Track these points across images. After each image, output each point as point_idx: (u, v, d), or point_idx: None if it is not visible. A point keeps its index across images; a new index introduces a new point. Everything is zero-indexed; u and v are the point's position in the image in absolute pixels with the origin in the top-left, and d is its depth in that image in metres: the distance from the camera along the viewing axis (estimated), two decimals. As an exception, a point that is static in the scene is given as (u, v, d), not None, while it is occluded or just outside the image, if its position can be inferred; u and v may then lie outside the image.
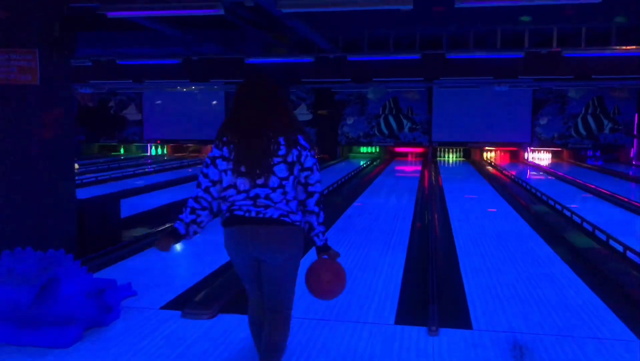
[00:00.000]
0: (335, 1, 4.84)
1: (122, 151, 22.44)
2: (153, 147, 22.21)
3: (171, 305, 4.40)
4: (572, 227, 7.68)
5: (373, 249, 6.37)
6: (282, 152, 2.62)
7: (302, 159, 2.66)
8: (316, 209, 2.71)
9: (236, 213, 2.64)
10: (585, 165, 18.40)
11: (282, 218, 2.63)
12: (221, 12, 5.20)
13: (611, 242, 6.45)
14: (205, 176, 2.68)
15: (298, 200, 2.71)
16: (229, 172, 2.64)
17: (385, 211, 9.01)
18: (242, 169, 2.61)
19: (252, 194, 2.62)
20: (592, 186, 11.94)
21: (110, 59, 12.48)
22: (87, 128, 21.57)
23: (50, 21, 5.22)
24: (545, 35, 11.23)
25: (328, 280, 2.77)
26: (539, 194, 10.54)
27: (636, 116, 18.86)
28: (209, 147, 21.74)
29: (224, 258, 5.84)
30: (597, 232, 6.98)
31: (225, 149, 2.65)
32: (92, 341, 3.66)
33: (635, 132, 18.87)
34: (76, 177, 6.33)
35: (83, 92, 19.55)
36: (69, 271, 3.76)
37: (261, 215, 2.61)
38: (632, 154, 18.98)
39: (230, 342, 3.67)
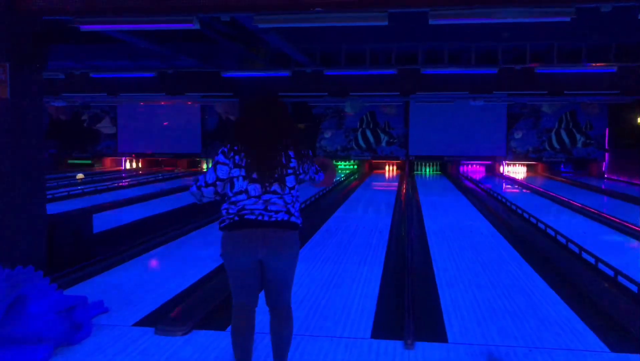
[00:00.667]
0: (311, 17, 4.87)
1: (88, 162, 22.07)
2: (127, 161, 21.94)
3: (144, 322, 4.31)
4: (547, 240, 7.79)
5: (350, 263, 6.36)
6: (293, 164, 2.97)
7: (306, 168, 3.08)
8: (317, 177, 3.24)
9: (247, 216, 2.87)
10: (560, 178, 18.74)
11: (291, 220, 2.94)
12: (197, 26, 5.18)
13: (584, 254, 6.55)
14: (203, 176, 2.98)
15: (299, 201, 3.09)
16: (240, 179, 2.89)
17: (362, 225, 9.03)
18: (255, 176, 2.87)
19: (264, 198, 2.88)
20: (566, 199, 12.15)
21: (84, 72, 12.33)
22: (60, 142, 21.21)
23: (21, 35, 5.14)
24: (518, 52, 11.49)
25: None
26: (514, 207, 10.69)
27: (607, 130, 19.33)
28: (184, 161, 21.60)
29: (198, 273, 5.77)
30: (570, 245, 7.09)
31: (236, 157, 2.90)
32: (61, 361, 3.56)
33: (606, 147, 19.32)
34: (47, 192, 6.20)
35: (55, 105, 19.26)
36: (38, 288, 3.66)
37: (273, 219, 2.88)
38: (604, 168, 19.41)
39: (204, 359, 3.61)
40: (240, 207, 2.89)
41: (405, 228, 8.57)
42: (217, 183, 2.96)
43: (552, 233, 7.90)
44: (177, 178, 17.79)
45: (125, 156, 21.57)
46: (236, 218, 2.89)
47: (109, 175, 18.45)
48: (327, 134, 20.73)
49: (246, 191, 2.88)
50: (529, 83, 12.08)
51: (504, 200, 11.88)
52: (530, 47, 11.30)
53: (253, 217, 2.87)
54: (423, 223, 9.28)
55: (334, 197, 13.04)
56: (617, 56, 10.93)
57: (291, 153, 2.97)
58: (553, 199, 12.69)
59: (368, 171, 20.93)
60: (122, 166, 21.86)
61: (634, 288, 5.14)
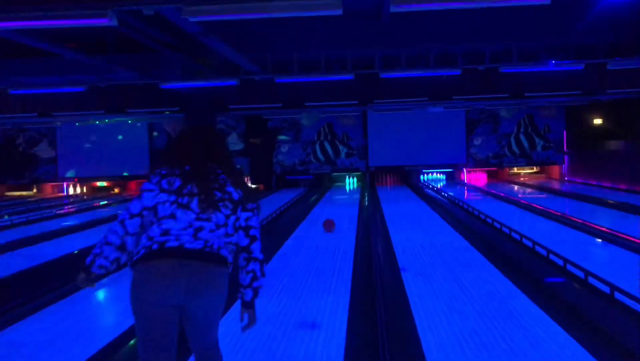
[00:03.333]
0: (245, 7, 4.05)
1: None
2: (70, 186, 20.46)
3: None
4: (518, 247, 7.18)
5: (311, 294, 5.49)
6: (229, 188, 2.54)
7: (244, 217, 2.60)
8: (261, 256, 2.58)
9: (170, 244, 2.36)
10: (521, 183, 18.50)
11: (222, 253, 2.46)
12: (113, 22, 4.27)
13: (569, 266, 5.91)
14: (126, 208, 2.53)
15: (235, 245, 2.56)
16: (167, 204, 2.45)
17: (324, 246, 8.19)
18: (185, 200, 2.46)
19: (196, 226, 2.43)
20: (533, 204, 11.70)
21: (2, 89, 10.93)
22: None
23: None
24: (477, 56, 10.99)
25: None
26: (482, 216, 10.08)
27: (564, 133, 19.22)
28: (133, 183, 20.30)
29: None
30: (551, 256, 6.46)
31: (164, 182, 2.50)
32: None
33: (565, 149, 19.20)
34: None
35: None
36: None
37: (203, 248, 2.40)
38: (564, 170, 19.26)
39: None
40: (163, 230, 2.40)
41: (371, 246, 7.79)
42: (144, 212, 2.49)
43: (530, 244, 7.25)
44: (125, 202, 16.56)
45: (67, 181, 20.07)
46: (154, 246, 2.37)
47: (47, 203, 16.99)
48: (284, 148, 19.86)
49: (173, 216, 2.43)
50: (490, 87, 11.61)
51: (469, 208, 11.29)
52: (488, 50, 10.83)
53: (177, 244, 2.36)
54: (390, 239, 8.50)
55: (293, 214, 12.17)
56: (578, 55, 10.58)
57: (226, 178, 2.58)
58: (521, 206, 12.22)
59: (328, 184, 20.17)
60: (64, 192, 20.34)
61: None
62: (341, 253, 7.56)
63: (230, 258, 2.52)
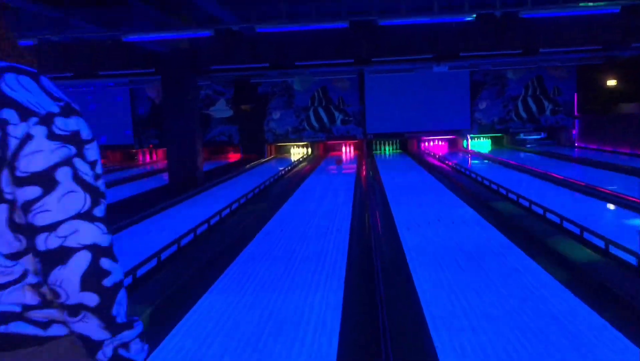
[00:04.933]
0: None
1: None
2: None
3: None
4: (538, 220, 6.10)
5: (295, 288, 4.41)
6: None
7: (18, 151, 0.96)
8: (93, 299, 0.97)
9: None
10: (527, 150, 17.38)
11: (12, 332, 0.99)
12: None
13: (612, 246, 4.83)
14: None
15: (37, 280, 1.00)
16: None
17: (315, 223, 7.10)
18: None
19: None
20: (550, 173, 10.61)
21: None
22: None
23: None
24: (487, 5, 9.67)
25: None
26: (494, 186, 8.97)
27: (575, 95, 17.98)
28: (117, 154, 19.11)
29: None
30: (586, 234, 5.38)
31: None
32: None
33: (576, 113, 17.99)
34: None
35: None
36: None
37: None
38: (573, 136, 18.09)
39: None
40: None
41: (369, 222, 6.70)
42: None
43: (556, 218, 6.15)
44: (109, 173, 15.43)
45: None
46: None
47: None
48: (276, 115, 18.60)
49: None
50: (502, 41, 10.33)
51: (477, 177, 10.18)
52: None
53: None
54: (391, 213, 7.41)
55: (283, 186, 11.06)
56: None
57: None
58: (532, 173, 11.13)
59: (323, 153, 19.01)
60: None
61: None
62: (334, 232, 6.47)
63: (40, 319, 1.01)
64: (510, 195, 7.93)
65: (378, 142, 19.13)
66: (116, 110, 18.36)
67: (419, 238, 5.93)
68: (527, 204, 7.14)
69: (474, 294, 4.04)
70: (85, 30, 9.76)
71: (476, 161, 15.27)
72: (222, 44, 9.88)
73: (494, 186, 8.93)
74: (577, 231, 5.45)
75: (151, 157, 19.44)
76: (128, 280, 4.49)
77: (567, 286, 4.08)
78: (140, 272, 4.69)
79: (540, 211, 6.58)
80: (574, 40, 10.70)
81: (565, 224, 5.82)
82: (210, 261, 5.36)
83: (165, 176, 11.86)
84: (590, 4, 7.51)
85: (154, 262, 5.04)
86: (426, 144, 19.23)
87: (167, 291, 4.38)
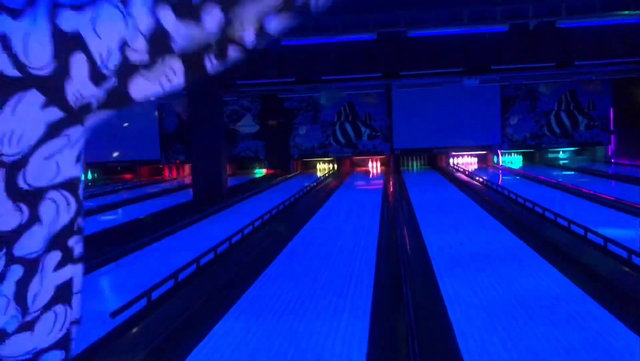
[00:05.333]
0: None
1: None
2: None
3: None
4: (573, 239, 5.68)
5: (318, 313, 4.13)
6: None
7: None
8: None
9: None
10: (559, 166, 16.81)
11: None
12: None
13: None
14: None
15: None
16: None
17: (341, 241, 6.81)
18: None
19: None
20: (589, 191, 10.11)
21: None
22: None
23: None
24: (518, 13, 9.35)
25: None
26: (529, 204, 8.55)
27: (611, 110, 17.34)
28: (145, 169, 19.22)
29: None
30: (610, 245, 4.98)
31: None
32: None
33: (612, 128, 17.34)
34: None
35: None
36: None
37: None
38: (610, 152, 17.42)
39: None
40: None
41: (399, 246, 6.38)
42: None
43: (582, 232, 5.74)
44: (137, 188, 15.48)
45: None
46: None
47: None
48: (302, 130, 18.44)
49: None
50: (535, 54, 9.97)
51: (513, 196, 9.75)
52: (532, 8, 9.18)
53: None
54: (420, 234, 7.07)
55: (308, 202, 10.81)
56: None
57: None
58: (567, 190, 10.63)
59: (349, 169, 18.73)
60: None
61: None
62: (362, 250, 6.17)
63: None
64: (547, 214, 7.51)
65: (405, 157, 18.77)
66: (144, 125, 18.48)
67: (454, 268, 5.58)
68: (556, 218, 6.73)
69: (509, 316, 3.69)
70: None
71: (507, 177, 14.78)
72: (248, 58, 9.77)
73: (537, 209, 8.50)
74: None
75: (178, 173, 19.49)
76: (142, 303, 4.28)
77: (590, 295, 3.72)
78: (155, 294, 4.47)
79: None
80: (612, 51, 10.26)
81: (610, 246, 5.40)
82: (230, 280, 5.12)
83: (191, 192, 11.75)
84: (629, 12, 7.11)
85: (170, 283, 4.83)
86: (455, 160, 18.79)
87: (182, 316, 4.15)
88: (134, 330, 3.88)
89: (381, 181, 14.61)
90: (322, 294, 4.59)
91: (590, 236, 5.91)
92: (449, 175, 15.35)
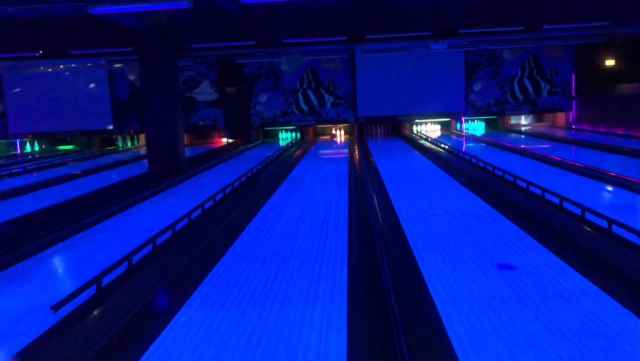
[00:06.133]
0: None
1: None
2: (27, 143, 18.31)
3: None
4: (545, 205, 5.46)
5: (286, 303, 3.73)
6: None
7: None
8: None
9: None
10: (523, 132, 16.84)
11: None
12: None
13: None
14: None
15: None
16: None
17: (309, 215, 6.41)
18: None
19: None
20: (558, 158, 10.01)
21: None
22: None
23: None
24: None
25: None
26: (499, 172, 8.33)
27: (573, 76, 17.37)
28: (96, 139, 18.21)
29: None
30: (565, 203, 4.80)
31: None
32: None
33: (573, 94, 17.40)
34: None
35: None
36: None
37: None
38: (571, 118, 17.52)
39: None
40: None
41: (368, 215, 6.02)
42: None
43: (557, 199, 5.53)
44: (88, 160, 14.60)
45: (19, 138, 17.85)
46: None
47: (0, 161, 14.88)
48: (263, 98, 17.76)
49: None
50: (504, 16, 9.64)
51: (479, 163, 9.54)
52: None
53: None
54: (392, 205, 6.73)
55: (272, 173, 10.33)
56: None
57: None
58: (535, 158, 10.53)
59: (313, 138, 18.27)
60: (17, 150, 18.18)
61: None
62: (331, 228, 5.79)
63: None
64: (519, 182, 7.29)
65: (369, 126, 18.43)
66: (95, 93, 17.40)
67: (429, 238, 5.26)
68: (529, 186, 6.51)
69: (483, 277, 3.39)
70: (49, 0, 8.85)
71: (471, 144, 14.65)
72: (203, 19, 9.06)
73: (508, 177, 8.28)
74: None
75: (132, 143, 18.57)
76: (92, 291, 3.78)
77: (570, 265, 3.48)
78: (106, 280, 3.98)
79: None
80: (580, 16, 10.04)
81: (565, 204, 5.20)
82: (189, 263, 4.65)
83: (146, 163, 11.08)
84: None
85: (124, 266, 4.33)
86: (418, 127, 18.58)
87: (137, 305, 3.67)
88: (80, 325, 3.40)
89: (346, 150, 14.23)
90: (290, 278, 4.19)
91: (547, 195, 5.70)
92: (415, 144, 15.11)
